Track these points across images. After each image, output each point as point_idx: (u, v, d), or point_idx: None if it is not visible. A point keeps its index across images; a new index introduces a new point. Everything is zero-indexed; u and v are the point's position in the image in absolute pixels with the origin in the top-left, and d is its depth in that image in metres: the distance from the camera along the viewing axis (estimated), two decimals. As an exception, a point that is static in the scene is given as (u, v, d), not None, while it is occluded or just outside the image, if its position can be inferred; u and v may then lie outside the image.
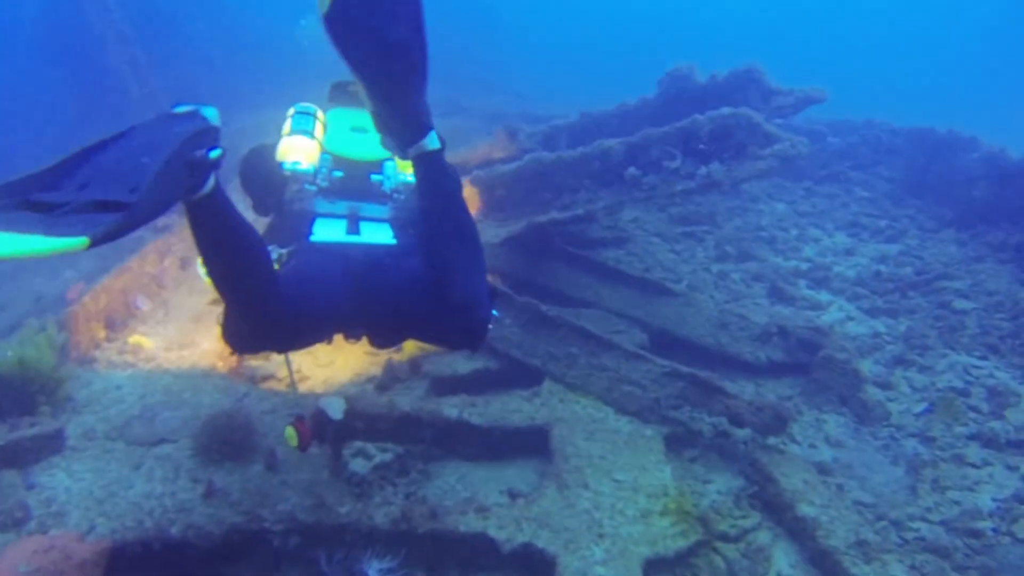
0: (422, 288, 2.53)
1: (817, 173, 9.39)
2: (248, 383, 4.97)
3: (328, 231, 2.97)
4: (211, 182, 2.00)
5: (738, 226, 8.06)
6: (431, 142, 2.32)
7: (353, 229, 3.04)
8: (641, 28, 36.96)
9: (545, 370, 5.01)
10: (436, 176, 2.38)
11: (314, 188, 3.11)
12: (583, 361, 4.98)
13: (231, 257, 2.22)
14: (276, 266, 2.66)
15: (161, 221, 7.27)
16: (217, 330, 5.55)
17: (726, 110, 5.46)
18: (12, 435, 3.83)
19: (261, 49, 15.77)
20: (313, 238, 2.89)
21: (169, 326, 5.83)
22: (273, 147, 3.17)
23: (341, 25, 2.09)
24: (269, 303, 2.36)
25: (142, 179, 1.64)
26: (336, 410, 4.31)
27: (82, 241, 1.46)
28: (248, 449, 3.97)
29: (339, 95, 3.72)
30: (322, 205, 3.13)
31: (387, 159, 3.25)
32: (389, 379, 5.31)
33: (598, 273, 6.24)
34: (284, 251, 2.78)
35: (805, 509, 4.05)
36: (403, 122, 2.31)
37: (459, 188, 2.47)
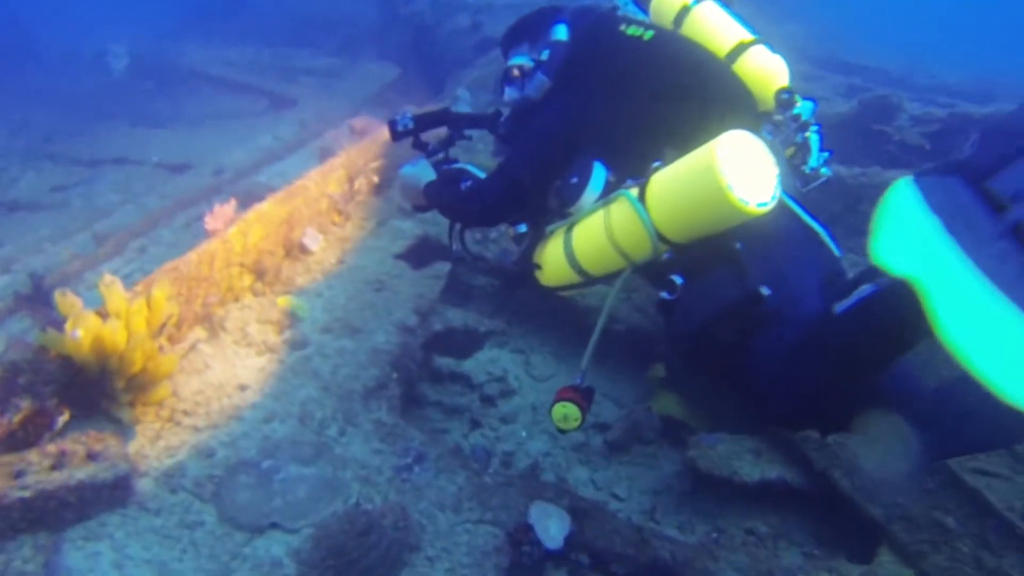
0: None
1: None
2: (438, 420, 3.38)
3: None
4: None
5: None
6: None
7: None
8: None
9: (887, 531, 2.97)
10: None
11: None
12: (966, 549, 2.84)
13: None
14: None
15: (360, 123, 5.56)
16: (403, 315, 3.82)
17: None
18: (52, 477, 2.33)
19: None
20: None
21: (338, 286, 4.09)
22: None
23: None
24: None
25: None
26: (553, 533, 2.74)
27: None
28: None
29: None
30: None
31: None
32: (628, 436, 3.69)
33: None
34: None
35: None
36: None
37: None
